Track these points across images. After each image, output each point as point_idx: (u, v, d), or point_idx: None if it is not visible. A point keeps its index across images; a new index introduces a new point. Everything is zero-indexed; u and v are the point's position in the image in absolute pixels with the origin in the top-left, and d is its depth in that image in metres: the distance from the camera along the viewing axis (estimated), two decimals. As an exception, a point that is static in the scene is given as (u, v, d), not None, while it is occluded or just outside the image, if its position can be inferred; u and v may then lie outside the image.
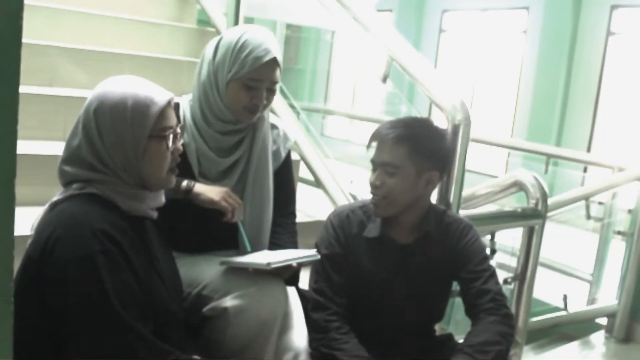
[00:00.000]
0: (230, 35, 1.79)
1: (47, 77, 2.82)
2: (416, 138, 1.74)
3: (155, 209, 1.47)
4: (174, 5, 3.95)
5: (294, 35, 11.84)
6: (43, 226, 1.30)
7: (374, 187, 1.77)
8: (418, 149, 1.73)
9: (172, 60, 3.33)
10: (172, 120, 1.42)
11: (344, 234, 1.84)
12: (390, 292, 1.81)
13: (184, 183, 1.71)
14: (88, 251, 1.23)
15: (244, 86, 1.75)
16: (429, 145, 1.76)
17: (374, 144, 1.79)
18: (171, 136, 1.41)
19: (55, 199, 1.36)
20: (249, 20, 3.31)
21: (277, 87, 1.82)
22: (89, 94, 1.40)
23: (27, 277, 1.26)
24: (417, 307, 1.84)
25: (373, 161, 1.79)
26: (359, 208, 1.88)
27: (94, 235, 1.25)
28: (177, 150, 1.44)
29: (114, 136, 1.35)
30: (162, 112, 1.38)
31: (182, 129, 1.48)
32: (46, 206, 1.36)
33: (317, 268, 1.83)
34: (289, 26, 9.91)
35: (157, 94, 1.39)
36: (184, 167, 1.73)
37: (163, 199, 1.49)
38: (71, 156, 1.37)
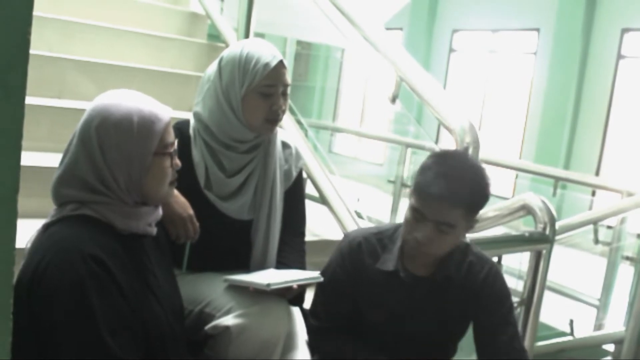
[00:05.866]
0: (230, 53, 1.78)
1: (56, 89, 2.82)
2: (472, 197, 1.57)
3: (154, 224, 1.43)
4: (184, 20, 3.97)
5: (303, 52, 11.89)
6: (34, 250, 1.27)
7: (420, 244, 1.60)
8: (474, 208, 1.59)
9: (182, 75, 3.33)
10: (173, 136, 1.40)
11: (352, 264, 1.75)
12: (403, 327, 1.73)
13: None
14: (77, 277, 1.21)
15: (260, 95, 1.74)
16: (483, 201, 1.60)
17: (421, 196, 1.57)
18: (173, 152, 1.40)
19: (48, 220, 1.32)
20: (259, 36, 3.32)
21: (289, 89, 1.82)
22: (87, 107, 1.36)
23: (17, 302, 1.24)
24: (432, 344, 1.74)
25: (422, 213, 1.58)
26: (373, 235, 1.77)
27: (83, 260, 1.22)
28: (177, 165, 1.42)
29: (118, 153, 1.31)
30: (166, 128, 1.36)
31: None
32: (39, 227, 1.33)
33: (317, 290, 1.79)
34: (299, 43, 9.96)
35: (160, 110, 1.36)
36: (190, 179, 1.73)
37: (161, 213, 1.46)
38: (67, 174, 1.33)
